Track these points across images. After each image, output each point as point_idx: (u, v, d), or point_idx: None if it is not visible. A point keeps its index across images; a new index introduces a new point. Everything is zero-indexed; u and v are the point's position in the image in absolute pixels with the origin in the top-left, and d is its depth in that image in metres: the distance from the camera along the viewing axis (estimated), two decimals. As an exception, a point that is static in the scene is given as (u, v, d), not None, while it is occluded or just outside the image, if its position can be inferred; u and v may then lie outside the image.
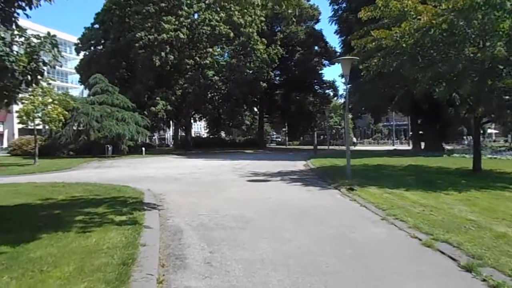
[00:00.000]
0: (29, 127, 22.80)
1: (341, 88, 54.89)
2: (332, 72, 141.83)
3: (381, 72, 15.31)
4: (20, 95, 20.01)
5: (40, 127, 24.95)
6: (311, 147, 59.42)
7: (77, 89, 70.32)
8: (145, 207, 7.93)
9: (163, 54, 34.47)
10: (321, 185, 12.36)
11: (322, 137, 74.56)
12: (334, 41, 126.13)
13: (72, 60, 69.41)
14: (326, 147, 42.31)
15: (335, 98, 57.93)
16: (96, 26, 39.02)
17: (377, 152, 33.73)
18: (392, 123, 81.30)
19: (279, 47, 43.43)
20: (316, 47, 51.48)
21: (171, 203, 9.02)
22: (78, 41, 39.83)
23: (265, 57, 40.53)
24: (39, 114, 20.36)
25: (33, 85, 7.65)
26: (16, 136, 48.88)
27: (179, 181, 13.89)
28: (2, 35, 6.44)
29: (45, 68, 7.36)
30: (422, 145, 36.58)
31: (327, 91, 54.57)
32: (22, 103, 19.78)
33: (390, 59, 13.94)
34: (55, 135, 28.50)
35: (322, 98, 54.15)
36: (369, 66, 14.90)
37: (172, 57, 35.29)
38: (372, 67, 14.73)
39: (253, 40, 38.76)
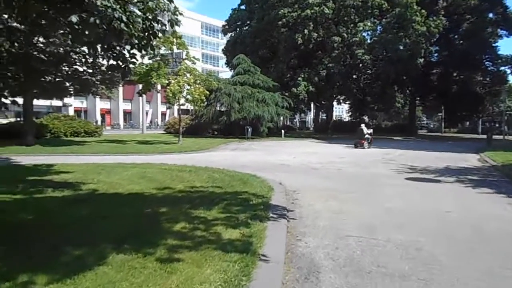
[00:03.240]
0: (176, 107, 23.52)
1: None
2: (510, 46, 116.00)
3: None
4: (166, 74, 20.60)
5: (185, 107, 25.77)
6: (475, 136, 50.18)
7: (227, 73, 74.59)
8: (270, 214, 5.79)
9: (306, 31, 32.24)
10: (524, 195, 8.37)
11: (487, 124, 62.50)
12: None
13: (223, 45, 73.78)
14: (500, 137, 34.08)
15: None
16: (243, 7, 39.15)
17: None
18: None
19: (442, 17, 36.42)
20: (491, 14, 41.83)
21: (306, 208, 6.72)
22: (225, 23, 40.73)
23: (423, 30, 34.39)
24: (183, 94, 20.55)
25: (147, 50, 6.17)
26: (175, 115, 54.13)
27: (318, 172, 11.54)
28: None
29: (162, 29, 5.75)
30: None
31: (502, 67, 44.17)
32: (168, 84, 20.19)
33: None
34: (200, 115, 29.42)
35: (495, 76, 44.11)
36: None
37: (316, 34, 32.74)
38: None
39: (411, 10, 33.13)
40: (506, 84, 47.71)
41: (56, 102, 51.86)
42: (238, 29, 40.17)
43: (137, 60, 5.99)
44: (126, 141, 22.27)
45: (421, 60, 36.43)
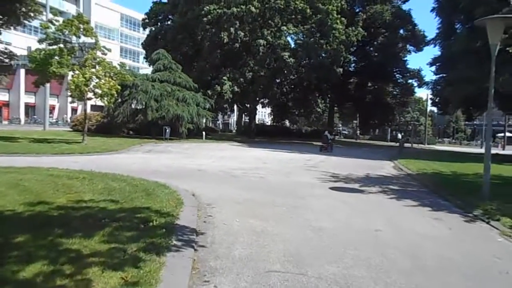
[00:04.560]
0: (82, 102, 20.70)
1: (428, 77, 47.89)
2: (417, 61, 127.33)
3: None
4: (72, 65, 17.98)
5: (96, 102, 23.03)
6: (385, 143, 53.82)
7: (148, 69, 70.71)
8: (173, 241, 4.46)
9: (232, 30, 31.23)
10: (446, 207, 8.13)
11: (394, 133, 67.68)
12: (423, 24, 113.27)
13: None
14: (408, 145, 36.53)
15: (418, 89, 51.15)
16: (164, 0, 36.88)
17: (475, 156, 27.63)
18: (478, 122, 71.52)
19: (360, 29, 38.13)
20: (401, 31, 45.05)
21: (220, 229, 5.49)
22: (145, 16, 38.06)
23: (343, 39, 35.57)
24: (91, 87, 18.07)
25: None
26: (89, 111, 49.34)
27: (238, 180, 10.42)
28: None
29: None
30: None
31: (410, 80, 47.85)
32: (72, 75, 17.64)
33: None
34: (113, 112, 26.69)
35: (404, 88, 47.62)
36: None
37: (242, 33, 31.88)
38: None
39: (332, 18, 33.97)
40: (413, 95, 51.80)
41: None
42: (159, 23, 37.81)
43: None
44: (17, 139, 18.99)
45: (340, 69, 37.70)
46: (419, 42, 44.04)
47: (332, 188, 9.84)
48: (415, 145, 42.88)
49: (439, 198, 9.20)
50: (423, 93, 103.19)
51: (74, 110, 59.63)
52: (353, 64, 47.97)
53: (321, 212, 6.95)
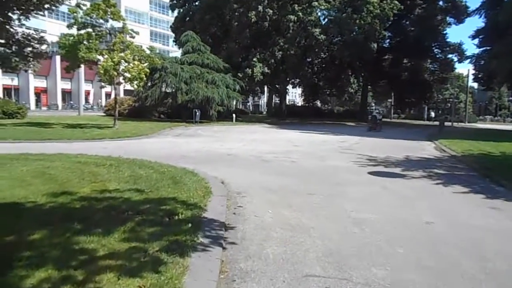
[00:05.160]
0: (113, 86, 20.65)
1: (470, 51, 44.92)
2: (458, 34, 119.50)
3: None
4: (100, 49, 17.86)
5: (127, 87, 23.05)
6: (422, 122, 51.43)
7: (177, 53, 70.84)
8: (200, 238, 4.02)
9: (260, 8, 30.20)
10: (502, 193, 7.27)
11: (431, 111, 64.59)
12: None
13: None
14: (448, 123, 34.61)
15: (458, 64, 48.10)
16: (192, -20, 36.20)
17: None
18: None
19: (396, 1, 35.88)
20: (440, 2, 42.19)
21: (251, 222, 5.03)
22: (173, -3, 37.59)
23: (378, 13, 33.64)
24: (120, 71, 17.95)
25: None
26: (122, 95, 50.22)
27: (269, 165, 9.90)
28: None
29: None
30: None
31: (449, 55, 45.00)
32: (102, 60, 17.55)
33: None
34: (143, 96, 26.71)
35: (443, 64, 44.87)
36: None
37: (271, 11, 30.77)
38: None
39: (366, -10, 32.12)
40: (453, 71, 48.90)
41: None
42: (187, 4, 37.20)
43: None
44: (52, 125, 19.31)
45: (375, 45, 35.91)
46: (461, 13, 41.17)
47: (371, 173, 9.14)
48: (455, 124, 40.65)
49: (492, 183, 8.32)
50: (463, 69, 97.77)
51: (108, 95, 60.90)
52: (387, 40, 45.57)
53: (361, 201, 6.33)
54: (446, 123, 33.07)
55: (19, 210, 4.76)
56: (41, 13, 17.08)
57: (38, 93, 55.25)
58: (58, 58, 49.20)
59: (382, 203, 6.26)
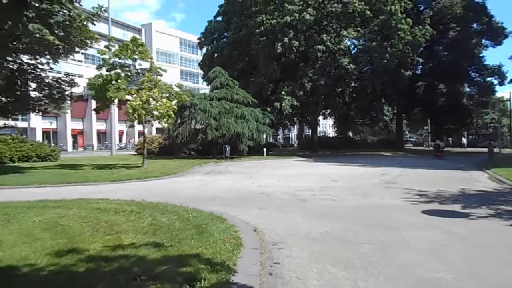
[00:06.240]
0: (141, 125, 20.50)
1: (511, 73, 42.54)
2: (496, 56, 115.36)
3: None
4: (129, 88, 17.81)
5: (158, 125, 22.87)
6: (462, 149, 48.51)
7: (207, 90, 72.12)
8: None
9: (286, 40, 29.97)
10: None
11: (470, 137, 61.19)
12: (501, 15, 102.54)
13: (201, 61, 71.12)
14: (496, 150, 32.18)
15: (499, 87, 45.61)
16: (219, 18, 36.87)
17: None
18: None
19: (428, 27, 34.83)
20: (474, 25, 40.68)
21: (292, 287, 3.98)
22: (201, 36, 38.28)
23: (409, 39, 32.66)
24: (148, 110, 17.71)
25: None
26: (154, 133, 51.02)
27: (307, 205, 8.83)
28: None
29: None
30: None
31: (488, 78, 42.77)
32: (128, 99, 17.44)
33: None
34: (173, 133, 26.53)
35: (482, 87, 42.61)
36: None
37: (297, 43, 30.47)
38: None
39: (396, 18, 31.38)
40: (494, 95, 46.41)
41: (21, 123, 48.17)
42: (214, 41, 37.76)
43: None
44: (82, 166, 19.15)
45: (409, 72, 34.70)
46: (497, 35, 39.51)
47: (426, 212, 7.87)
48: (504, 150, 37.87)
49: None
50: (504, 92, 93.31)
51: (140, 134, 62.16)
52: (420, 66, 44.20)
53: (426, 253, 5.13)
54: (480, 149, 31.04)
55: (11, 278, 3.96)
56: (71, 56, 17.31)
57: (75, 135, 57.12)
58: (93, 101, 51.08)
59: (453, 255, 5.03)
